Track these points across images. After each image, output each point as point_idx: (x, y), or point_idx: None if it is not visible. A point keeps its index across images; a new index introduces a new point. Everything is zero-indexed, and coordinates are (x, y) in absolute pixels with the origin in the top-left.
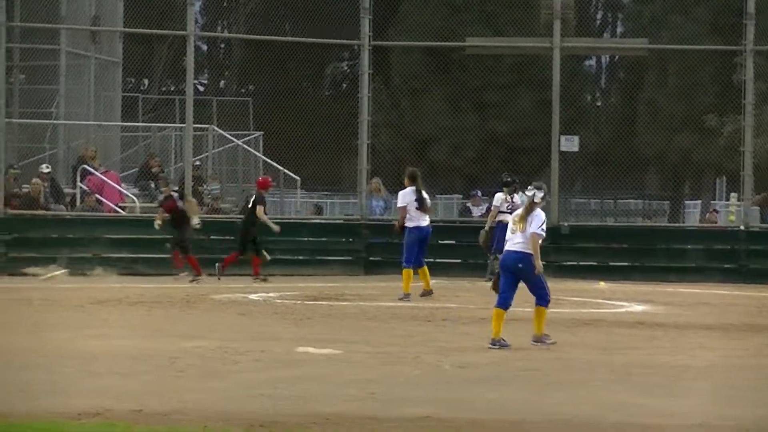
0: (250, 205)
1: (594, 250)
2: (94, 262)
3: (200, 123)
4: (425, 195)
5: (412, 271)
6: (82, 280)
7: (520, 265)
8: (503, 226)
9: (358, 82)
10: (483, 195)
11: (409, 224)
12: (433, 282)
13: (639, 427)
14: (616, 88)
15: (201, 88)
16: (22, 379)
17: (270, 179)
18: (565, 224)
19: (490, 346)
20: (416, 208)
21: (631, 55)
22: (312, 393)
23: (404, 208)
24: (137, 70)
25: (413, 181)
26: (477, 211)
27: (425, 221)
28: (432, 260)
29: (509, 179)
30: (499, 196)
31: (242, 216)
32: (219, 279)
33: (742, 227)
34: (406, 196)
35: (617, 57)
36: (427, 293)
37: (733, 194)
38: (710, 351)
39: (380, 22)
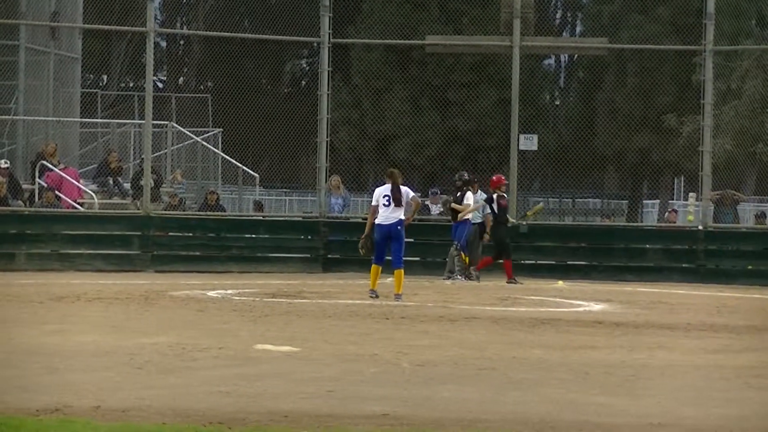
0: (495, 209)
1: (552, 249)
2: (53, 258)
3: (159, 120)
4: (403, 191)
5: (379, 268)
6: (41, 275)
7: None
8: (465, 223)
9: (318, 80)
10: (442, 193)
11: (376, 221)
12: (389, 280)
13: (596, 426)
14: (575, 88)
15: (160, 85)
16: None
17: (503, 177)
18: (524, 223)
19: None
20: (384, 205)
21: (591, 55)
22: (270, 390)
23: (374, 207)
24: (96, 67)
25: (391, 178)
26: (435, 209)
27: (391, 218)
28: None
29: (468, 178)
30: (469, 195)
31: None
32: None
33: (700, 227)
34: (377, 194)
35: (576, 56)
36: (397, 297)
37: (691, 194)
38: (669, 350)
39: (340, 19)
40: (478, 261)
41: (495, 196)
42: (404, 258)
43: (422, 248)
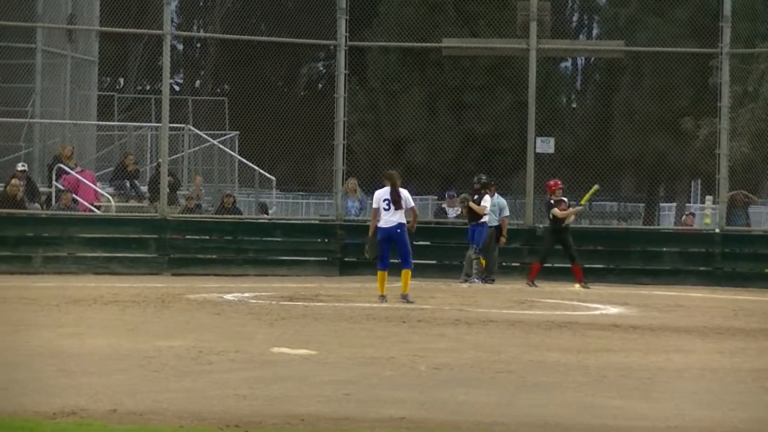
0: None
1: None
2: (69, 261)
3: (176, 122)
4: (402, 194)
5: (384, 273)
6: (57, 278)
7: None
8: (482, 225)
9: (334, 83)
10: (458, 196)
11: (378, 225)
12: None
13: (613, 428)
14: (591, 90)
15: (177, 88)
16: (2, 377)
17: (559, 182)
18: (540, 226)
19: None
20: (384, 209)
21: (607, 57)
22: (287, 393)
23: (375, 210)
24: (113, 69)
25: (390, 181)
26: (452, 212)
27: (391, 221)
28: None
29: (485, 181)
30: (487, 198)
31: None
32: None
33: (717, 230)
34: (377, 197)
35: (593, 59)
36: (403, 297)
37: (708, 197)
38: (685, 354)
39: (357, 22)
40: (495, 264)
41: (552, 201)
42: (420, 261)
43: (439, 251)
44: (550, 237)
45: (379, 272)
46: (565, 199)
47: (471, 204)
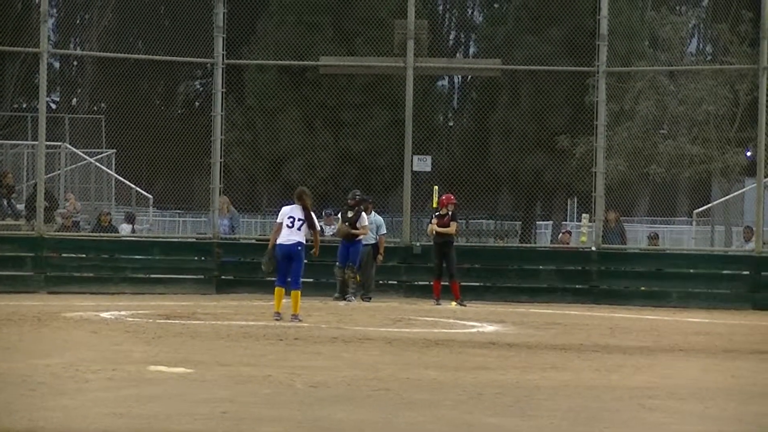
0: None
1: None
2: None
3: (53, 140)
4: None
5: (282, 290)
6: None
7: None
8: (357, 243)
9: (211, 101)
10: (335, 214)
11: (278, 241)
12: (284, 301)
13: None
14: (468, 109)
15: (53, 106)
16: None
17: (452, 196)
18: (417, 244)
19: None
20: (288, 226)
21: (484, 76)
22: (164, 412)
23: (279, 225)
24: None
25: (300, 199)
26: (329, 230)
27: (291, 239)
28: None
29: (360, 197)
30: (364, 216)
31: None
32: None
33: (593, 248)
34: (283, 213)
35: (470, 77)
36: (294, 317)
37: (584, 215)
38: (562, 371)
39: (234, 40)
40: (372, 282)
41: (436, 214)
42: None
43: (316, 269)
44: (435, 251)
45: (276, 289)
46: (450, 214)
47: (354, 231)
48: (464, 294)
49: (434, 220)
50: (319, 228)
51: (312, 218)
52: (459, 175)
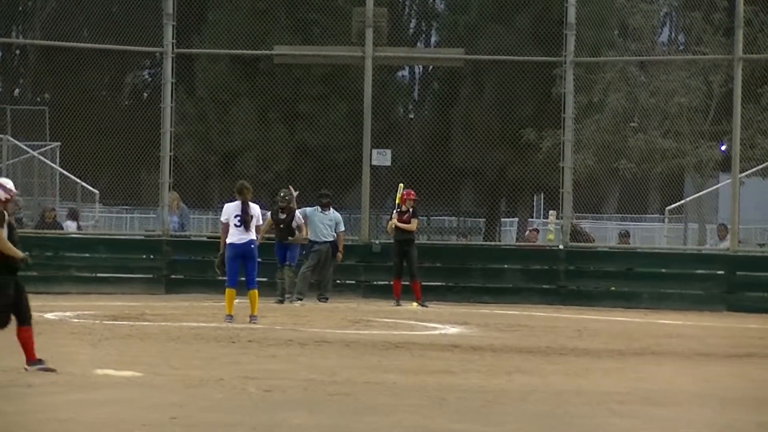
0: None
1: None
2: None
3: None
4: (253, 212)
5: (233, 291)
6: None
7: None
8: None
9: (161, 92)
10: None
11: (228, 240)
12: (236, 302)
13: None
14: (430, 101)
15: None
16: None
17: (412, 192)
18: (377, 242)
19: None
20: (236, 225)
21: (446, 66)
22: (111, 417)
23: (225, 224)
24: None
25: (240, 194)
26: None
27: (243, 238)
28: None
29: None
30: (298, 215)
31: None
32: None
33: (561, 246)
34: (228, 211)
35: (431, 67)
36: (252, 318)
37: (552, 212)
38: (528, 375)
39: (185, 29)
40: (329, 281)
41: (397, 210)
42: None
43: (268, 268)
44: (395, 249)
45: (227, 290)
46: (411, 210)
47: (297, 239)
48: (426, 294)
49: (395, 216)
50: (260, 223)
51: (248, 215)
52: (420, 170)
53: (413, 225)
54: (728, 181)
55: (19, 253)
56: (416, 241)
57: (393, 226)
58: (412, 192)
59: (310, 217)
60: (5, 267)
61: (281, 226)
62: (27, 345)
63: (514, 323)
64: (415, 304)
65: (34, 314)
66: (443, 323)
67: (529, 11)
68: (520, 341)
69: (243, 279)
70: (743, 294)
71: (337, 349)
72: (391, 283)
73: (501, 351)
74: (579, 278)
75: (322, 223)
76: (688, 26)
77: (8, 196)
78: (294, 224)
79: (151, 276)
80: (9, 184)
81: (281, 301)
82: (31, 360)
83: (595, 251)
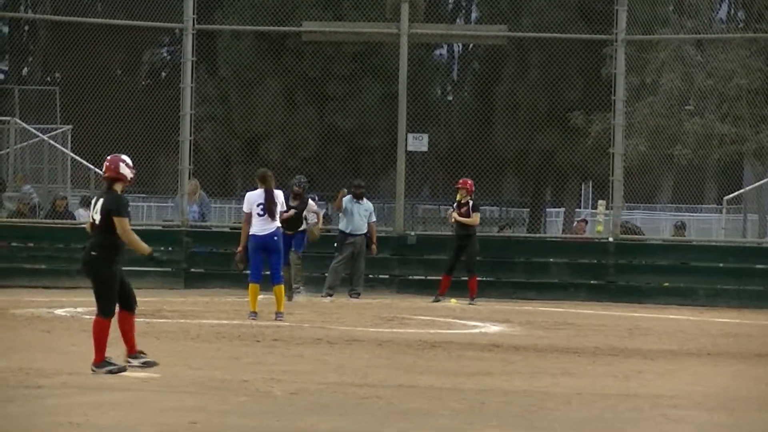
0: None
1: (443, 263)
2: None
3: (0, 115)
4: (277, 199)
5: (256, 286)
6: None
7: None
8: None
9: (180, 71)
10: (320, 200)
11: (250, 231)
12: (262, 297)
13: None
14: (470, 81)
15: (1, 76)
16: None
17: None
18: (412, 233)
19: None
20: (258, 214)
21: (488, 44)
22: (126, 421)
23: (248, 215)
24: None
25: (263, 182)
26: (312, 218)
27: (266, 228)
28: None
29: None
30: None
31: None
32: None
33: (610, 239)
34: (250, 200)
35: (471, 46)
36: (278, 315)
37: (601, 201)
38: (574, 378)
39: (206, 3)
40: (361, 276)
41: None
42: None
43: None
44: (452, 243)
45: (250, 285)
46: (470, 201)
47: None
48: (465, 290)
49: (454, 211)
50: (280, 214)
51: (272, 204)
52: (459, 156)
53: (473, 219)
54: None
55: (146, 247)
56: (451, 234)
57: (453, 218)
58: (468, 180)
59: (347, 207)
60: (116, 255)
61: (293, 211)
62: (128, 335)
63: (559, 321)
64: (454, 300)
65: (44, 310)
66: (483, 321)
67: None
68: (566, 341)
69: (267, 273)
70: None
71: (369, 348)
72: (427, 277)
73: (545, 351)
74: (630, 273)
75: (358, 214)
76: (749, 2)
77: (132, 174)
78: (305, 214)
79: (169, 269)
80: (129, 159)
81: (289, 298)
82: (132, 353)
83: (647, 244)
